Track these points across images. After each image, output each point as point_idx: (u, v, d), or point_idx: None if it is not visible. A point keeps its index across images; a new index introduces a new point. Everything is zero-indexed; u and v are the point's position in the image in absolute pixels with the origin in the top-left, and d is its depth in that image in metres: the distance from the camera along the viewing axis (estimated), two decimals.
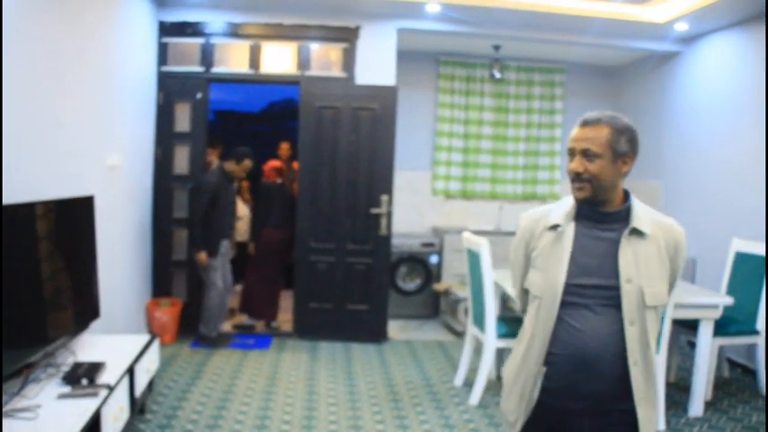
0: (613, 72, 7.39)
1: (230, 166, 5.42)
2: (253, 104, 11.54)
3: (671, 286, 2.02)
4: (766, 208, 4.83)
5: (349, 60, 5.73)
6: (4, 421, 2.66)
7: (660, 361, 3.89)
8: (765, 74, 4.96)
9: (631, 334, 1.92)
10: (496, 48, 6.58)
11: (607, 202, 1.95)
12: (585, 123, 1.95)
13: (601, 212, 1.97)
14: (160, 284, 5.69)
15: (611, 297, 1.91)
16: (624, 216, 1.95)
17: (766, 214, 4.81)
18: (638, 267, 1.90)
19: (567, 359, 1.94)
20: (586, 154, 1.91)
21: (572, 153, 1.95)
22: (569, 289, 1.94)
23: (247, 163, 5.42)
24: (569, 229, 1.99)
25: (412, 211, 7.19)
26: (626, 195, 2.00)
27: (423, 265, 6.56)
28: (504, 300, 4.65)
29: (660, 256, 1.94)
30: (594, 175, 1.90)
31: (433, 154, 7.20)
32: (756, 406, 4.37)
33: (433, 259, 6.56)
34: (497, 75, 6.82)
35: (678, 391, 4.58)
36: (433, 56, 7.06)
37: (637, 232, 1.93)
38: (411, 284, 6.59)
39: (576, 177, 1.93)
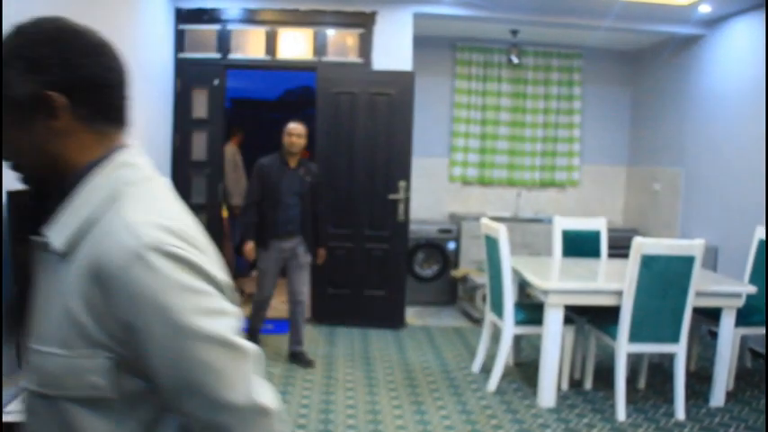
0: (633, 57, 7.31)
1: (283, 140, 4.61)
2: (269, 92, 11.56)
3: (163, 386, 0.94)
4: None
5: (365, 46, 5.71)
6: None
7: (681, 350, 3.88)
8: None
9: None
10: (514, 33, 6.53)
11: (56, 191, 1.03)
12: None
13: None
14: None
15: None
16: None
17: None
18: (40, 313, 1.01)
19: None
20: None
21: None
22: None
23: (293, 127, 4.55)
24: None
25: (429, 198, 7.17)
26: (90, 166, 1.01)
27: (440, 251, 6.55)
28: (522, 286, 4.64)
29: (71, 295, 0.94)
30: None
31: (450, 140, 7.17)
32: None
33: (451, 246, 6.54)
34: (515, 60, 6.76)
35: (699, 380, 4.54)
36: (450, 41, 7.01)
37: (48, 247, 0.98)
38: (428, 271, 6.59)
39: None
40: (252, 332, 4.86)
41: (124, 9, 4.40)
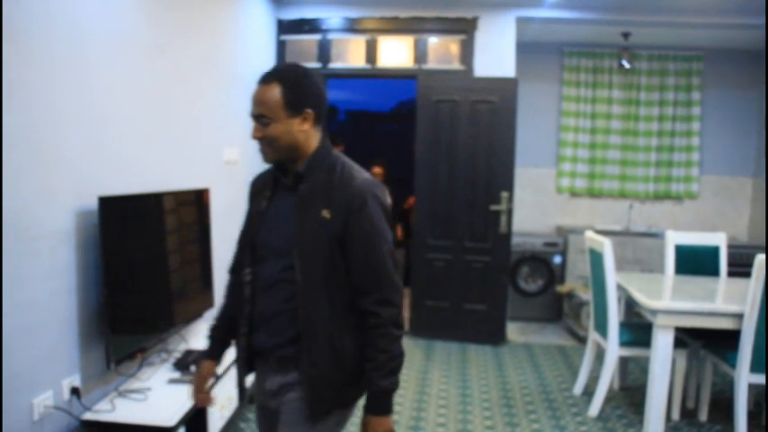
0: (759, 56, 6.71)
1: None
2: (383, 104, 11.67)
3: None
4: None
5: (467, 52, 5.56)
6: (118, 400, 2.80)
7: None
8: None
9: None
10: (625, 35, 6.16)
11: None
12: None
13: None
14: None
15: None
16: None
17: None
18: None
19: None
20: None
21: None
22: None
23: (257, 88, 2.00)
24: None
25: (535, 210, 6.91)
26: None
27: (545, 265, 6.27)
28: (630, 305, 4.32)
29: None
30: None
31: (557, 150, 6.87)
32: None
33: (557, 260, 6.25)
34: (627, 65, 6.39)
35: None
36: (557, 47, 6.73)
37: None
38: (533, 285, 6.32)
39: None
40: None
41: (229, 22, 4.48)
